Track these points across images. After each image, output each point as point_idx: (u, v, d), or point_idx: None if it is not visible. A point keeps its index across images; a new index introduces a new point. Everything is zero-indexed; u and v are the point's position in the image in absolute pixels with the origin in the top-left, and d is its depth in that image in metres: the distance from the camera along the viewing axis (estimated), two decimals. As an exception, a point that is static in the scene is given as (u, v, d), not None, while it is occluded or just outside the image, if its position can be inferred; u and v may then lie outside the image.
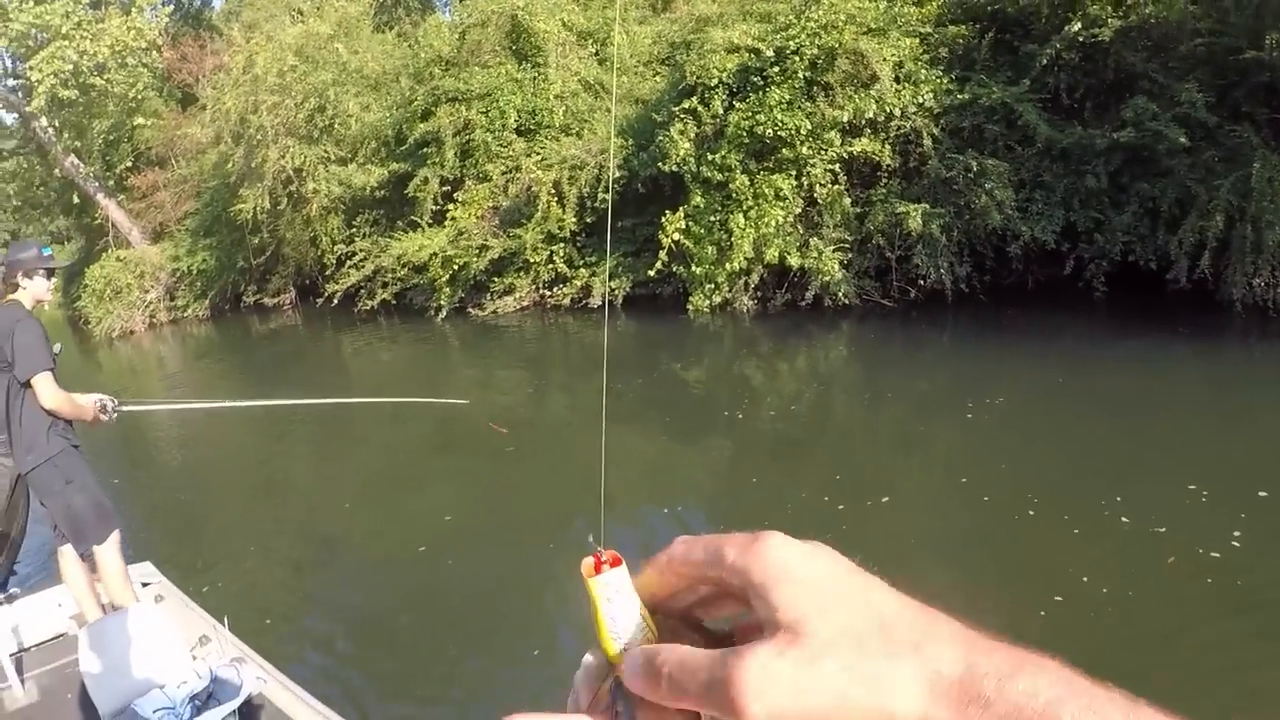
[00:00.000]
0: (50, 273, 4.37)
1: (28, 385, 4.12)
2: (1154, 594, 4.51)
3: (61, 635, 4.41)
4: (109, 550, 4.24)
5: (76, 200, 26.71)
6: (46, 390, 4.11)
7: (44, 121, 24.82)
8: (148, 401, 4.74)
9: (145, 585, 4.66)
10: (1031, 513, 5.33)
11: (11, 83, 25.46)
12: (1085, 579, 4.59)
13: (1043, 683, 0.35)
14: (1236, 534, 4.82)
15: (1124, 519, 5.13)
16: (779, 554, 0.39)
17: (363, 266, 14.37)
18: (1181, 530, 4.94)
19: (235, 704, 3.28)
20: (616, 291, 11.35)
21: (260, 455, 9.58)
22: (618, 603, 0.46)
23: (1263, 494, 5.24)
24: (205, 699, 3.34)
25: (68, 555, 4.27)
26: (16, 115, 26.11)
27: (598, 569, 0.46)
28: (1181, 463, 5.93)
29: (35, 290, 4.31)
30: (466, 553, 5.93)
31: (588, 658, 0.47)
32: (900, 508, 5.70)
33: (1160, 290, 9.53)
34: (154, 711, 3.24)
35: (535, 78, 13.18)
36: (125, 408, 4.54)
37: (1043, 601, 4.50)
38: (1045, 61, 10.44)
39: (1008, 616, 4.57)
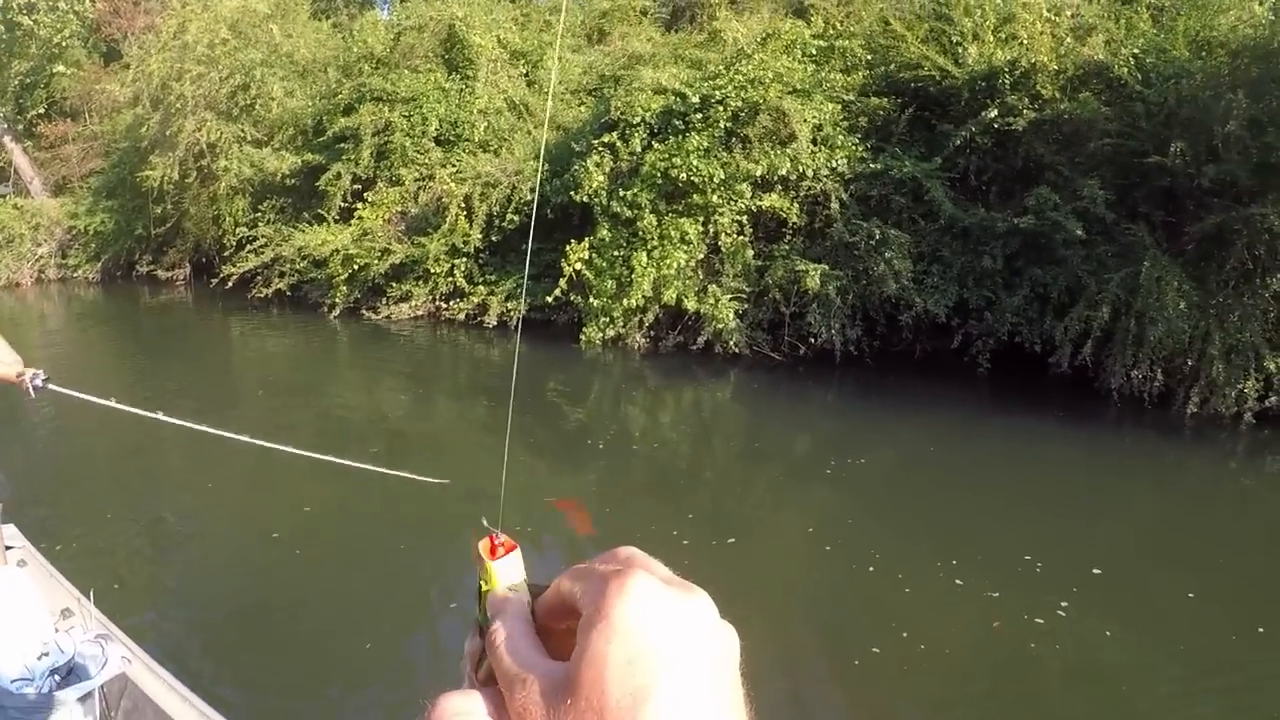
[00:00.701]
0: None
1: None
2: (972, 654, 4.64)
3: None
4: None
5: (-18, 137, 25.52)
6: None
7: (-40, 51, 23.76)
8: (79, 392, 4.40)
9: (8, 549, 4.38)
10: (870, 568, 5.44)
11: (-64, 5, 24.33)
12: (905, 634, 4.70)
13: None
14: (1064, 604, 4.98)
15: (958, 581, 5.27)
16: (613, 632, 0.38)
17: (263, 253, 13.98)
18: (1013, 597, 5.09)
19: (97, 682, 3.11)
20: (513, 313, 11.26)
21: (141, 431, 9.22)
22: (512, 588, 0.46)
23: (1096, 571, 5.45)
24: (66, 674, 3.16)
25: None
26: (-67, 41, 24.94)
27: (493, 552, 0.47)
28: (1028, 536, 6.14)
29: None
30: (339, 546, 5.91)
31: (470, 643, 0.47)
32: (744, 550, 5.78)
33: (1042, 373, 9.86)
34: (11, 681, 3.06)
35: (462, 90, 13.06)
36: (51, 386, 4.12)
37: (859, 651, 4.60)
38: (959, 142, 10.76)
39: (823, 661, 4.67)
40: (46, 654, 3.20)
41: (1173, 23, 12.13)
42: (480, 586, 0.47)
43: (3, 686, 3.03)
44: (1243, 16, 11.28)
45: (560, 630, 0.44)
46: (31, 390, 4.06)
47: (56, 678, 3.13)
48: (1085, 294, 9.77)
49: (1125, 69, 10.51)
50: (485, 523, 0.49)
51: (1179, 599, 5.30)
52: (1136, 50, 10.74)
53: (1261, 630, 4.82)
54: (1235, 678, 4.52)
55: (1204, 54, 11.01)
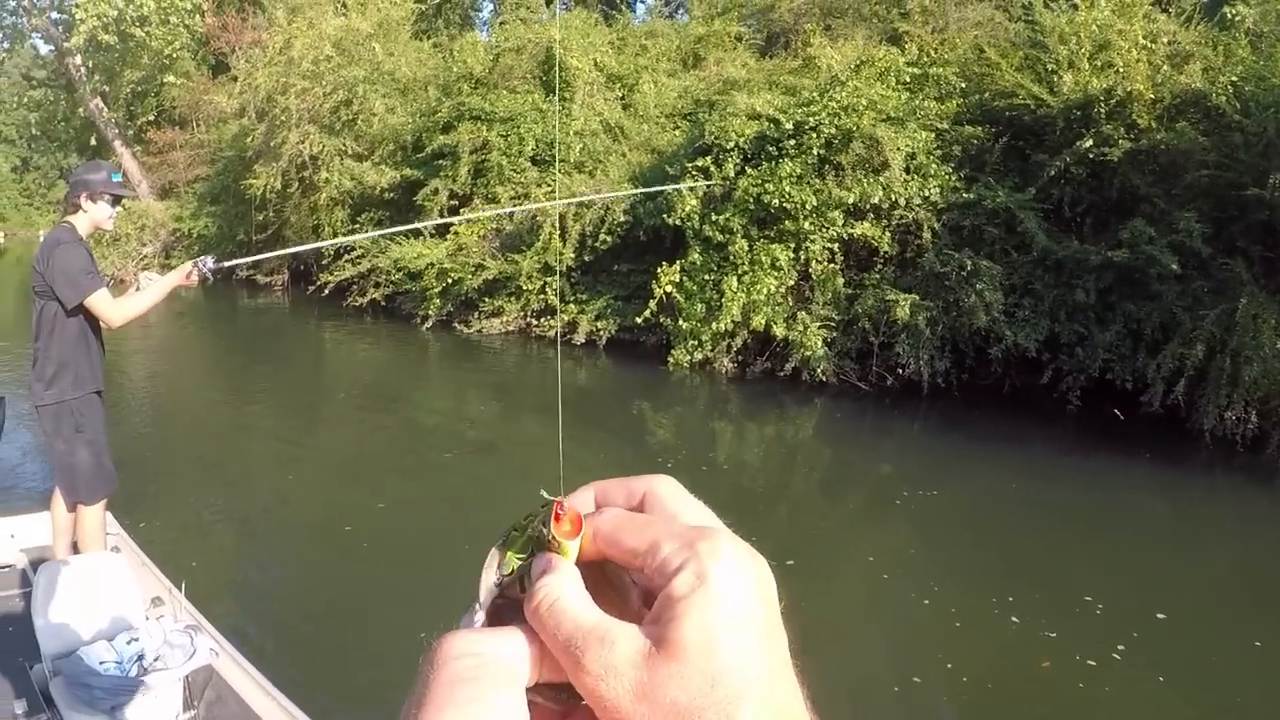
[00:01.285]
0: (116, 200, 4.15)
1: (77, 312, 3.92)
2: (1013, 690, 4.66)
3: (9, 567, 4.32)
4: (95, 510, 4.11)
5: (94, 142, 26.92)
6: (105, 309, 3.90)
7: (78, 60, 25.10)
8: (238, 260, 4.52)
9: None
10: (926, 600, 5.46)
11: (55, 15, 25.72)
12: (950, 665, 4.72)
13: None
14: (1121, 648, 4.95)
15: (1014, 618, 5.27)
16: (718, 597, 0.38)
17: (359, 263, 14.50)
18: (1068, 638, 5.06)
19: (184, 671, 3.19)
20: (601, 332, 11.49)
21: (230, 421, 9.69)
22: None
23: (1160, 616, 5.40)
24: (153, 660, 3.22)
25: (60, 497, 4.16)
26: (53, 48, 26.37)
27: (557, 520, 0.45)
28: (1096, 577, 6.06)
29: (96, 215, 4.08)
30: (419, 544, 6.05)
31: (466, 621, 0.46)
32: (800, 572, 5.82)
33: (1133, 411, 9.66)
34: (100, 663, 3.14)
35: (559, 111, 13.38)
36: (222, 264, 4.18)
37: (900, 679, 4.64)
38: (1053, 173, 10.64)
39: (860, 684, 4.73)
40: (136, 639, 3.27)
41: (1272, 49, 11.82)
42: (506, 557, 0.46)
43: (92, 668, 3.10)
44: None
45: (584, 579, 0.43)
46: (210, 275, 4.08)
47: (144, 663, 3.20)
48: (1179, 331, 9.54)
49: (1223, 97, 10.26)
50: (545, 494, 0.47)
51: (1246, 649, 5.24)
52: (1235, 78, 10.49)
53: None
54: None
55: None
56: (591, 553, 0.44)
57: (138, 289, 4.25)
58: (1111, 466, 8.93)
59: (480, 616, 0.45)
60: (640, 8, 26.75)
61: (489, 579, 0.46)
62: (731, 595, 0.38)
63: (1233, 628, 5.52)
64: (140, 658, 3.21)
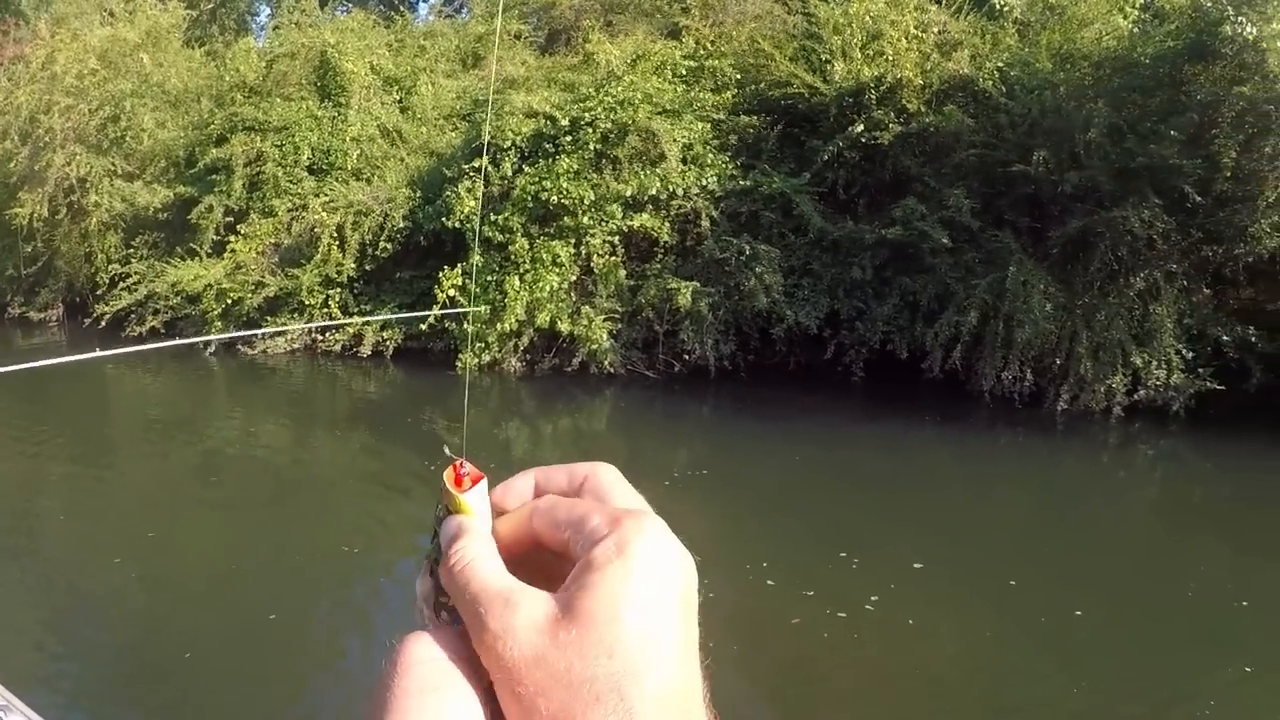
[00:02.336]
0: None
1: None
2: (761, 647, 4.71)
3: None
4: None
5: None
6: None
7: None
8: None
9: None
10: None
11: None
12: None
13: None
14: (875, 598, 5.12)
15: (769, 581, 5.35)
16: (633, 572, 0.37)
17: (136, 290, 13.57)
18: (825, 593, 5.20)
19: None
20: (388, 342, 11.12)
21: (17, 479, 8.88)
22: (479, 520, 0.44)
23: (917, 565, 5.63)
24: None
25: None
26: None
27: (458, 481, 0.45)
28: (864, 534, 6.33)
29: None
30: (233, 592, 5.76)
31: (422, 583, 0.45)
32: None
33: (915, 379, 10.10)
34: None
35: (335, 117, 12.92)
36: None
37: None
38: (827, 157, 11.03)
39: None
40: None
41: (1037, 37, 12.64)
42: (437, 519, 0.45)
43: None
44: (1105, 29, 11.84)
45: (521, 563, 0.42)
46: None
47: None
48: (954, 300, 10.06)
49: (990, 82, 10.88)
50: (448, 451, 0.47)
51: (1003, 589, 5.48)
52: (1001, 64, 11.15)
53: (1080, 612, 5.01)
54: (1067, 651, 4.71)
55: (1068, 66, 11.48)
56: (526, 536, 0.43)
57: None
58: (900, 431, 9.33)
59: (428, 613, 0.44)
60: (423, 8, 26.30)
61: (423, 585, 0.45)
62: (648, 573, 0.38)
63: (991, 569, 5.79)
64: None
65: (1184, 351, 9.37)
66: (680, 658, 0.38)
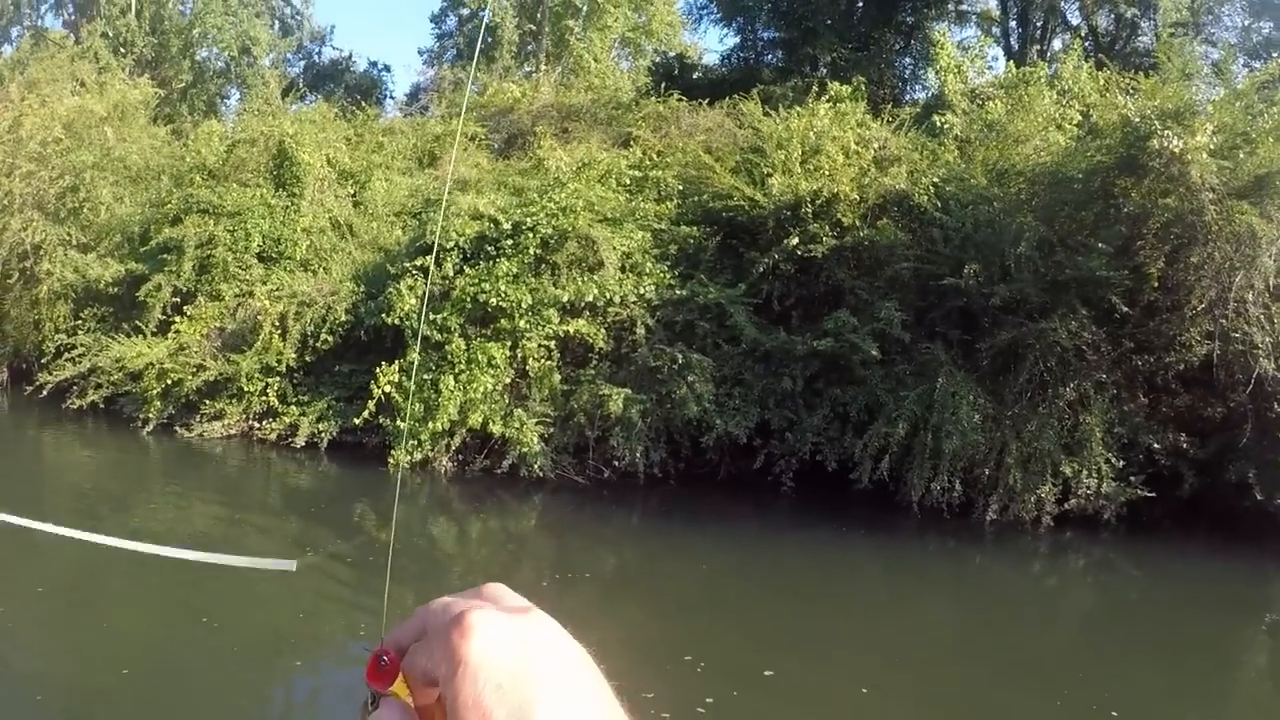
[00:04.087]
0: None
1: None
2: None
3: None
4: None
5: None
6: None
7: None
8: None
9: None
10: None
11: None
12: None
13: None
14: (709, 700, 5.32)
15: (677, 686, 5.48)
16: (475, 673, 0.41)
17: (80, 362, 13.58)
18: (667, 693, 5.34)
19: None
20: (323, 434, 11.24)
21: None
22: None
23: (768, 673, 5.83)
24: None
25: None
26: None
27: (373, 674, 0.48)
28: (778, 643, 6.51)
29: None
30: (170, 678, 5.84)
31: None
32: None
33: (845, 489, 10.24)
34: None
35: (288, 206, 13.19)
36: None
37: None
38: (763, 269, 11.37)
39: None
40: None
41: (974, 153, 13.22)
42: (366, 702, 0.49)
43: None
44: (1041, 145, 12.40)
45: (438, 705, 0.46)
46: None
47: None
48: (884, 411, 10.23)
49: (925, 197, 11.27)
50: (365, 647, 0.54)
51: (854, 695, 5.64)
52: (937, 179, 11.60)
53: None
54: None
55: (1002, 181, 11.97)
56: (419, 686, 0.47)
57: None
58: (827, 540, 9.49)
59: None
60: (389, 104, 27.13)
61: None
62: (490, 663, 0.41)
63: (918, 680, 5.94)
64: None
65: (1114, 460, 9.55)
66: (571, 711, 0.42)
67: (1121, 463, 9.61)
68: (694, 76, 20.18)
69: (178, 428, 12.25)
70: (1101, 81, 13.09)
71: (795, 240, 11.42)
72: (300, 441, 11.20)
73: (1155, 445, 9.85)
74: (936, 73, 20.08)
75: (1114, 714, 5.29)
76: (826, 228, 11.48)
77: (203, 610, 6.98)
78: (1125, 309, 9.78)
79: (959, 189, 11.79)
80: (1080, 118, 13.47)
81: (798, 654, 6.34)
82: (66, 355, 14.04)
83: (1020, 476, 9.73)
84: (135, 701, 5.61)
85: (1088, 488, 9.60)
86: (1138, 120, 10.07)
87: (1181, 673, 6.19)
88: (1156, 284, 9.83)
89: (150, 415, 12.49)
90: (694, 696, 5.34)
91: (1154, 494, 9.37)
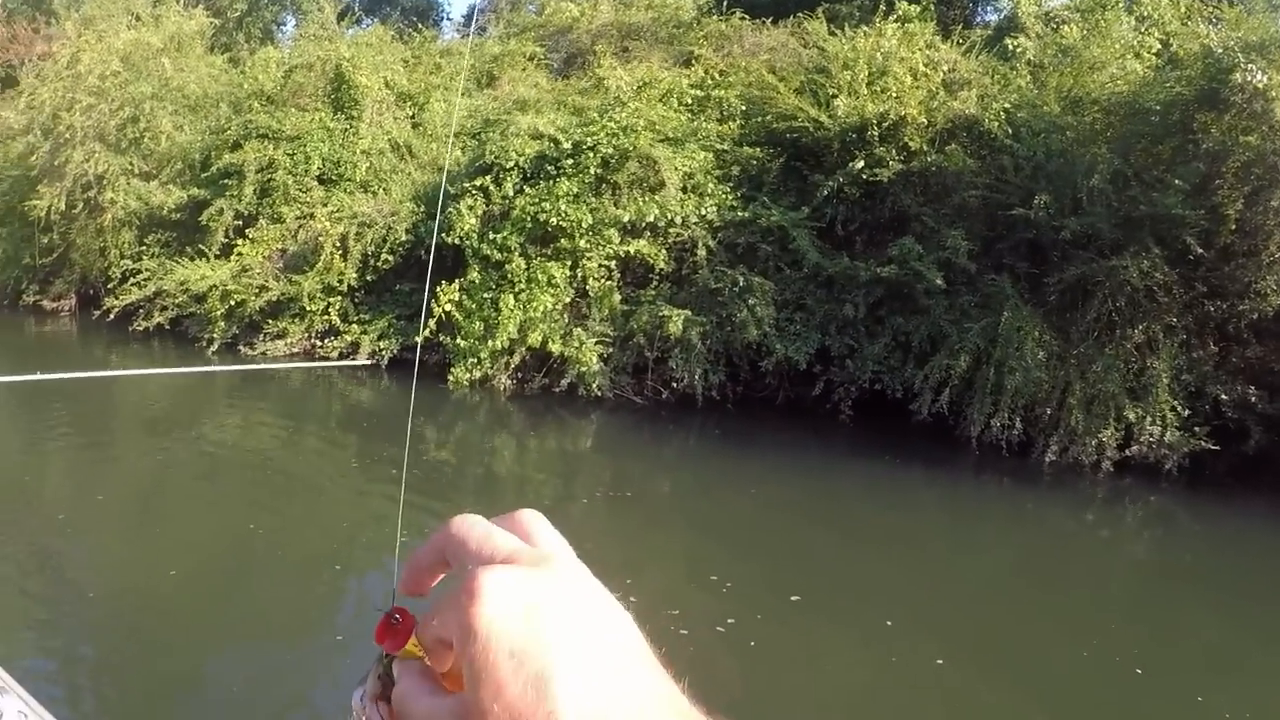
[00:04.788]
0: None
1: None
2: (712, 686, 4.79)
3: None
4: None
5: None
6: None
7: None
8: None
9: None
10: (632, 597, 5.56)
11: None
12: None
13: None
14: (730, 621, 5.29)
15: (730, 619, 5.42)
16: (485, 645, 0.38)
17: (145, 285, 13.85)
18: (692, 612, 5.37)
19: None
20: (384, 352, 11.31)
21: (21, 463, 9.20)
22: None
23: (794, 598, 5.82)
24: None
25: None
26: None
27: (382, 634, 0.46)
28: (821, 574, 6.42)
29: None
30: (224, 579, 5.95)
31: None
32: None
33: (904, 421, 10.07)
34: None
35: (346, 130, 13.17)
36: None
37: None
38: (827, 193, 11.08)
39: None
40: None
41: (1047, 79, 12.69)
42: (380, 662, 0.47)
43: None
44: (1118, 73, 11.87)
45: (454, 671, 0.43)
46: None
47: None
48: (946, 343, 9.97)
49: (995, 123, 10.85)
50: (379, 608, 0.47)
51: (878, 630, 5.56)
52: (1008, 105, 11.17)
53: (1054, 663, 5.08)
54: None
55: (1076, 110, 11.49)
56: (436, 650, 0.44)
57: None
58: (884, 472, 9.31)
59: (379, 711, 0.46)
60: (447, 25, 26.83)
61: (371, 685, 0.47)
62: (503, 631, 0.38)
63: (963, 617, 5.84)
64: None
65: (1180, 408, 9.14)
66: (584, 680, 0.38)
67: (1187, 412, 9.16)
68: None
69: (241, 347, 12.44)
70: (1183, 9, 12.38)
71: (860, 164, 11.09)
72: (362, 359, 11.27)
73: (1223, 396, 9.35)
74: (1011, -10, 19.23)
75: (1138, 671, 5.09)
76: (893, 151, 11.13)
77: (254, 519, 7.12)
78: (1200, 250, 9.30)
79: (1031, 116, 11.32)
80: (1159, 46, 12.78)
81: (831, 583, 6.25)
82: (132, 280, 14.32)
83: (1082, 418, 9.40)
84: (179, 602, 5.71)
85: (1150, 435, 9.20)
86: (1220, 52, 9.54)
87: (1223, 638, 5.80)
88: (1234, 226, 9.31)
89: (214, 335, 12.69)
90: (716, 617, 5.32)
91: (1218, 447, 8.92)
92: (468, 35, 14.86)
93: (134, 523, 7.40)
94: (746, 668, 4.89)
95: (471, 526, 0.46)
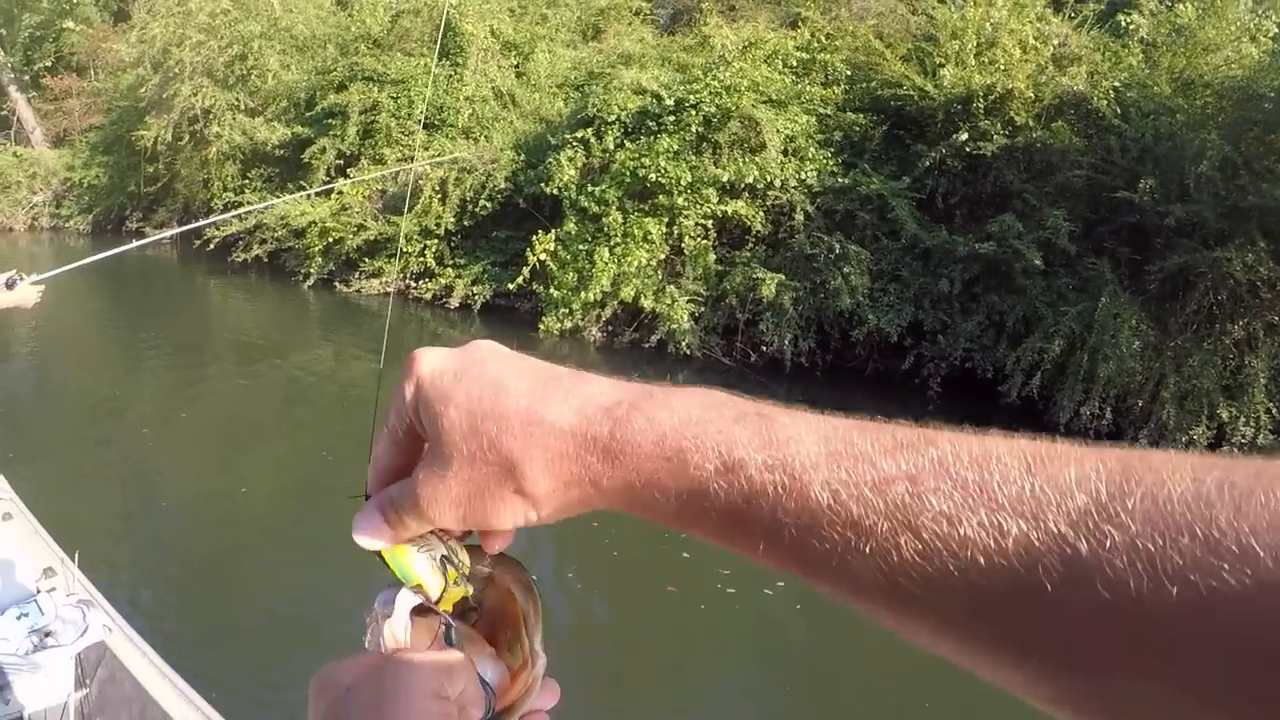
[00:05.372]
0: None
1: None
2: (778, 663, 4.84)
3: None
4: None
5: (-12, 87, 25.77)
6: None
7: (-27, 0, 24.01)
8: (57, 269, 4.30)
9: None
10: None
11: (-50, -47, 24.59)
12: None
13: (689, 401, 0.42)
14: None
15: (797, 604, 5.44)
16: (427, 393, 0.43)
17: (246, 219, 14.23)
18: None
19: (76, 649, 3.04)
20: (477, 297, 11.48)
21: (119, 384, 9.65)
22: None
23: None
24: (44, 636, 3.08)
25: None
26: (-53, -14, 25.20)
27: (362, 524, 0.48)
28: None
29: None
30: (311, 508, 6.03)
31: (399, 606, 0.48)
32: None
33: (992, 402, 9.92)
34: None
35: (451, 76, 13.29)
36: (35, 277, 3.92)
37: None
38: (929, 163, 10.87)
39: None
40: (26, 615, 3.13)
41: (1159, 58, 12.22)
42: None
43: None
44: (1230, 57, 11.38)
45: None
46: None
47: (34, 640, 3.05)
48: (1041, 325, 9.75)
49: (1104, 101, 10.53)
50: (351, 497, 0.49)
51: None
52: (1118, 84, 10.82)
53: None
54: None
55: (1187, 92, 11.07)
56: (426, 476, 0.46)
57: (8, 285, 3.92)
58: None
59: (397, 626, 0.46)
60: None
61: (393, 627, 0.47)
62: (438, 368, 0.44)
63: None
64: (31, 632, 3.07)
65: (1275, 412, 8.89)
66: (517, 362, 0.46)
67: (1283, 415, 8.89)
68: (868, -45, 19.10)
69: (337, 283, 12.74)
70: (1303, -8, 11.78)
71: (965, 136, 10.83)
72: (454, 302, 11.47)
73: (1322, 402, 9.07)
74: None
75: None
76: (998, 125, 10.85)
77: (331, 445, 7.30)
78: (1309, 247, 8.94)
79: (1140, 96, 10.90)
80: (1277, 30, 12.20)
81: None
82: (234, 212, 14.72)
83: (1174, 413, 9.14)
84: (251, 518, 5.94)
85: (1243, 436, 8.96)
86: (1340, 38, 9.07)
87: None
88: (1346, 224, 8.94)
89: (311, 270, 13.01)
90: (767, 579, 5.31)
91: (1314, 455, 8.66)
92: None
93: (216, 442, 7.67)
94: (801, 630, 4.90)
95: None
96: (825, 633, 5.18)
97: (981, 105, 10.80)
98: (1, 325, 10.18)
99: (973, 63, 11.29)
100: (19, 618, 3.10)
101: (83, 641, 3.08)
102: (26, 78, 25.81)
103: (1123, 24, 13.58)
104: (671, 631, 5.11)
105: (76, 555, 3.67)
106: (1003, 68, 11.04)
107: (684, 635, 5.10)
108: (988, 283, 10.42)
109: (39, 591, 3.34)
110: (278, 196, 13.84)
